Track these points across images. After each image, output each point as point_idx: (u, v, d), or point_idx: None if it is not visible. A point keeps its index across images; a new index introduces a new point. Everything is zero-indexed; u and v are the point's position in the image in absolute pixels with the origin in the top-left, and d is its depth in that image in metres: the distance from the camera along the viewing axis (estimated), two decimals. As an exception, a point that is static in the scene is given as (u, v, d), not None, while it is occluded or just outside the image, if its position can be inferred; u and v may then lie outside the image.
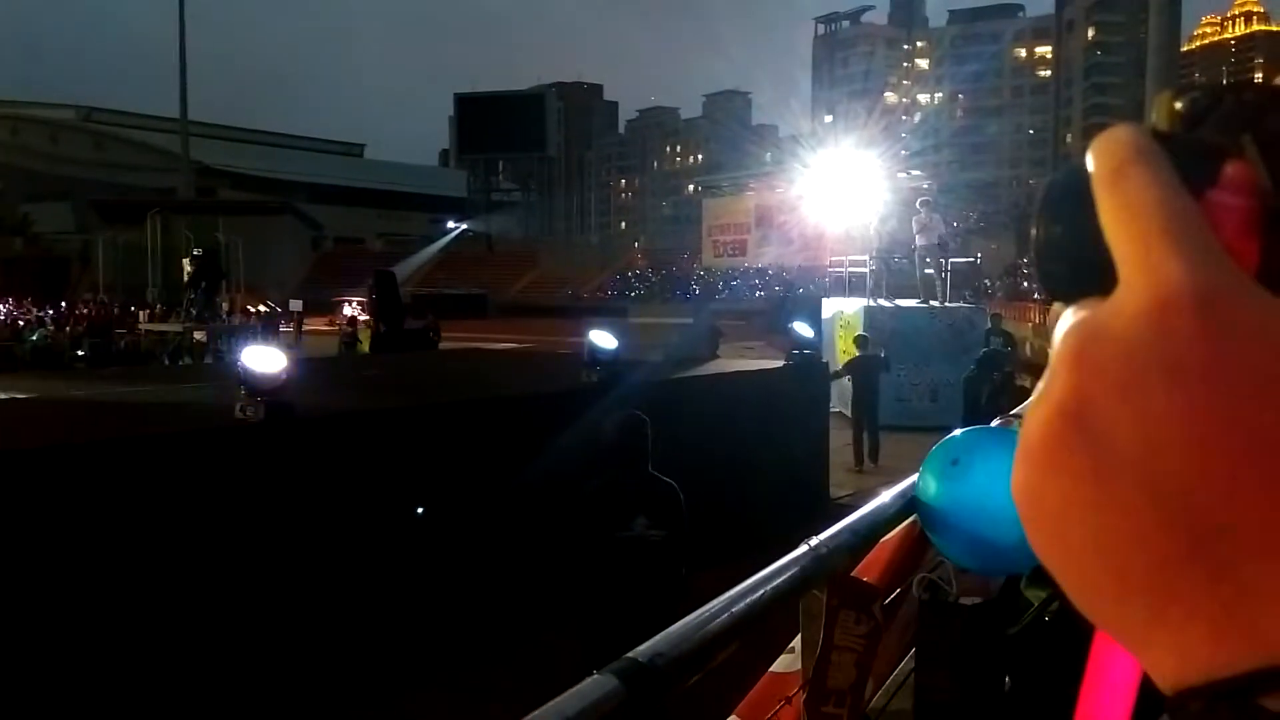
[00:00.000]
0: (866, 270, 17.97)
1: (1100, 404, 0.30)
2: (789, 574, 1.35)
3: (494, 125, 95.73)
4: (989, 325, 15.50)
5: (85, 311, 29.16)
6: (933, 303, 16.51)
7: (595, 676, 0.93)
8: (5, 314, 31.66)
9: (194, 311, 21.75)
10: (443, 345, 23.86)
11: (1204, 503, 0.29)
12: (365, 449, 6.25)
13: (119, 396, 8.64)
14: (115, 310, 28.84)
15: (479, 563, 6.38)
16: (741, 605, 1.20)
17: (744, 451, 8.83)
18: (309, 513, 5.67)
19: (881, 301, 17.02)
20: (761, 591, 1.26)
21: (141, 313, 26.10)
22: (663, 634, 1.04)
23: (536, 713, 0.83)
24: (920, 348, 15.92)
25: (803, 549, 1.45)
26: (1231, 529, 0.28)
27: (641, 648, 1.00)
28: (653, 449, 4.59)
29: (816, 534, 1.49)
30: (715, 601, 1.18)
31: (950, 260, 17.36)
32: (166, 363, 19.92)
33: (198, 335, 21.64)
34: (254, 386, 5.79)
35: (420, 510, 6.28)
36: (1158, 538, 0.29)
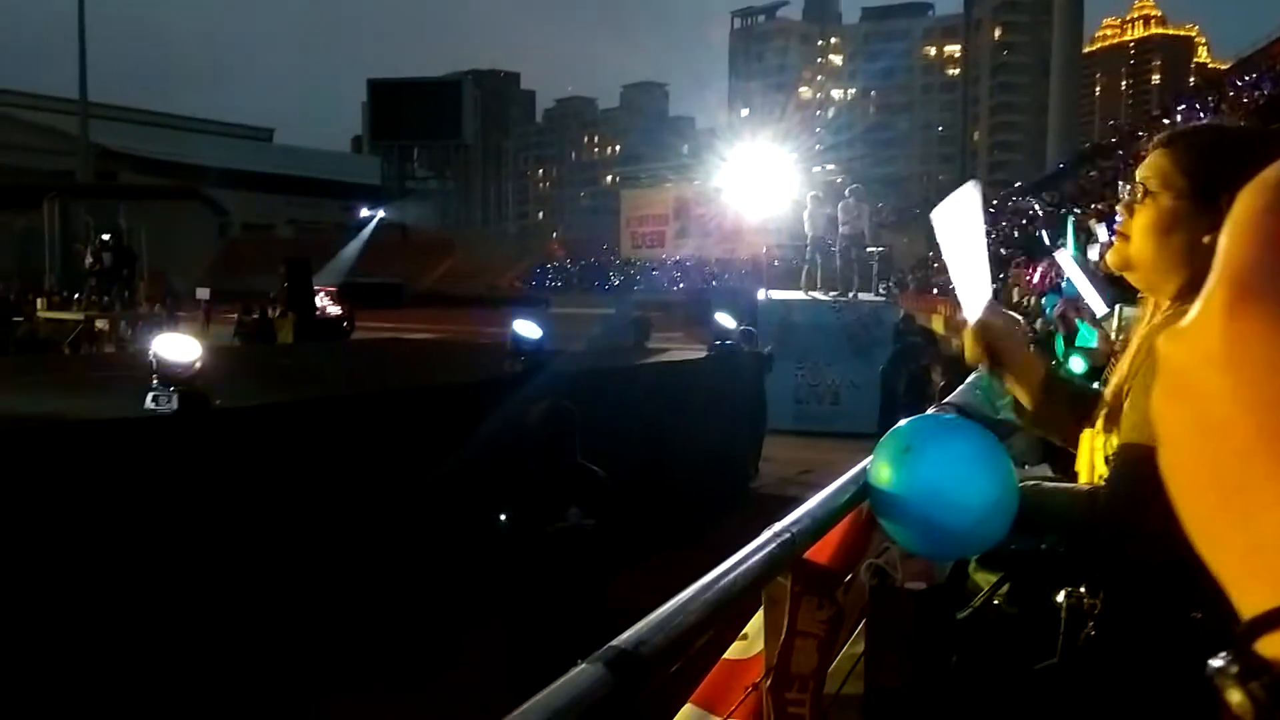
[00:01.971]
0: (776, 262, 17.72)
1: (1167, 388, 0.37)
2: (758, 559, 1.35)
3: (409, 112, 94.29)
4: (900, 324, 14.01)
5: (-23, 299, 27.80)
6: (850, 294, 15.94)
7: (583, 665, 0.90)
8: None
9: (103, 299, 20.98)
10: (359, 335, 23.47)
11: (1226, 471, 0.35)
12: (283, 441, 6.08)
13: (17, 386, 8.27)
14: (11, 297, 27.59)
15: (402, 559, 6.27)
16: (714, 592, 1.19)
17: (667, 442, 8.85)
18: (225, 507, 5.50)
19: (817, 295, 16.20)
20: (733, 577, 1.25)
21: (39, 300, 25.01)
22: (644, 621, 1.02)
23: (527, 705, 0.81)
24: (821, 346, 14.89)
25: (768, 534, 1.45)
26: (1245, 489, 0.34)
27: (625, 635, 0.98)
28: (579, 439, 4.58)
29: (779, 520, 1.49)
30: (691, 589, 1.17)
31: (871, 250, 16.76)
32: (67, 351, 19.16)
33: (100, 323, 20.88)
34: (167, 376, 5.58)
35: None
36: (1208, 496, 0.36)
